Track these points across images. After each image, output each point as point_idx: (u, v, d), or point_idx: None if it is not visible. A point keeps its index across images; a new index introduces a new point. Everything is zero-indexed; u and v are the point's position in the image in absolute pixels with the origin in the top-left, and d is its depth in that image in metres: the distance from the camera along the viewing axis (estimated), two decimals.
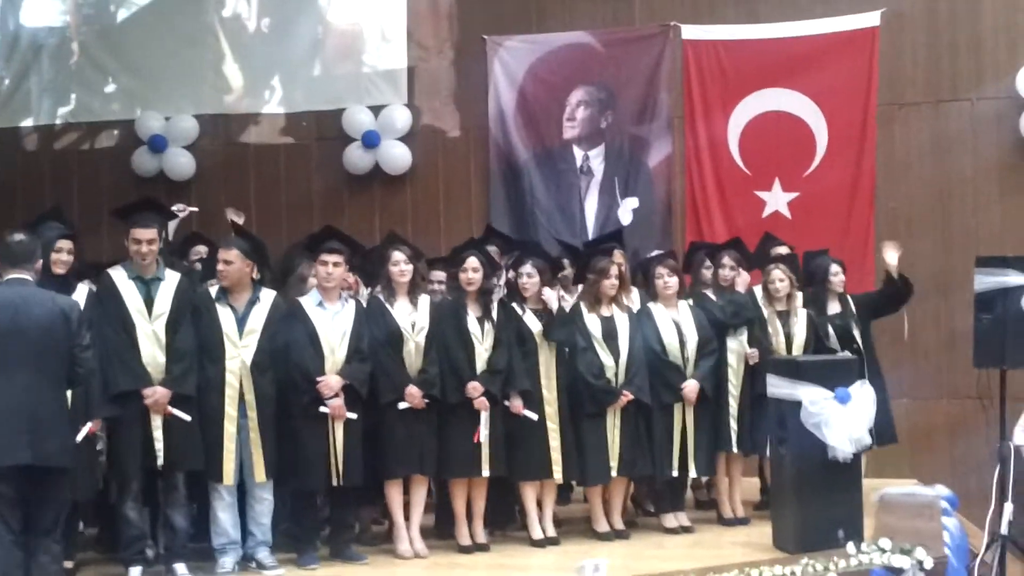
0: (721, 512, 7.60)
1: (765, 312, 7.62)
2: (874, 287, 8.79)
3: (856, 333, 7.80)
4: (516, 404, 6.93)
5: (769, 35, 9.68)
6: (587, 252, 7.69)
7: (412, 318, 6.89)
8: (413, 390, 6.76)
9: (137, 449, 6.33)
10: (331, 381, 6.60)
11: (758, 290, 7.73)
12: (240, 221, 7.51)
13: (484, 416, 6.86)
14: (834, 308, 7.85)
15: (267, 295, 6.74)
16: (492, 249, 7.62)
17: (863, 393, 6.71)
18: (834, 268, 7.92)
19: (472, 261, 6.99)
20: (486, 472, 6.88)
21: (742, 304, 7.54)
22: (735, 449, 7.49)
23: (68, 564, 6.35)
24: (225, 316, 6.57)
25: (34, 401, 5.39)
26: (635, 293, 7.57)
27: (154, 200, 7.02)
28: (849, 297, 7.95)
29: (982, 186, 9.37)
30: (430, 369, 6.84)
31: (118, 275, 6.48)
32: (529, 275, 7.12)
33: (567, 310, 7.17)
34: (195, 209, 7.51)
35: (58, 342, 5.48)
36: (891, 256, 7.89)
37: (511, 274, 7.25)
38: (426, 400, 6.78)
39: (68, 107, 10.51)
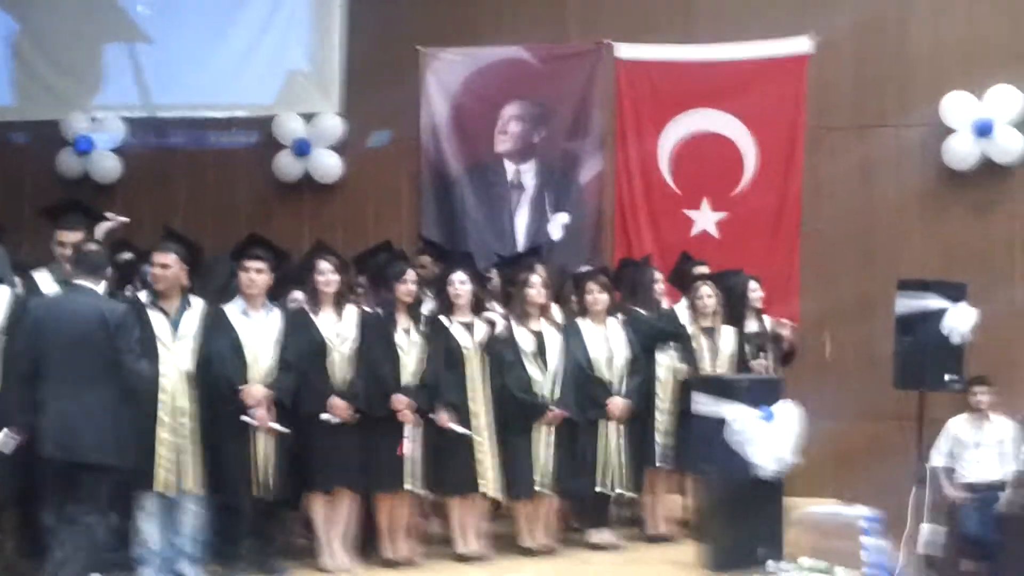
0: (645, 529, 7.64)
1: (690, 329, 7.69)
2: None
3: (770, 351, 7.91)
4: (443, 417, 6.91)
5: (701, 57, 9.79)
6: (508, 267, 7.71)
7: (337, 328, 6.84)
8: (337, 401, 6.71)
9: None
10: (253, 390, 6.52)
11: (679, 307, 7.81)
12: (113, 224, 7.36)
13: (408, 429, 6.84)
14: (752, 326, 7.95)
15: (197, 302, 6.63)
16: (425, 259, 7.63)
17: (787, 412, 6.80)
18: (752, 285, 8.02)
19: (411, 274, 6.99)
20: (409, 486, 6.85)
21: (670, 316, 7.62)
22: (658, 464, 7.52)
23: None
24: (158, 321, 6.44)
25: (73, 401, 5.66)
26: (554, 309, 7.58)
27: (81, 203, 6.90)
28: (766, 317, 8.05)
29: (905, 211, 9.55)
30: (356, 381, 6.79)
31: (43, 278, 6.37)
32: (461, 282, 7.11)
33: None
34: (126, 220, 7.38)
35: (95, 347, 5.71)
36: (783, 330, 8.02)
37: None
38: (352, 413, 6.73)
39: None
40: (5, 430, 5.97)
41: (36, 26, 10.34)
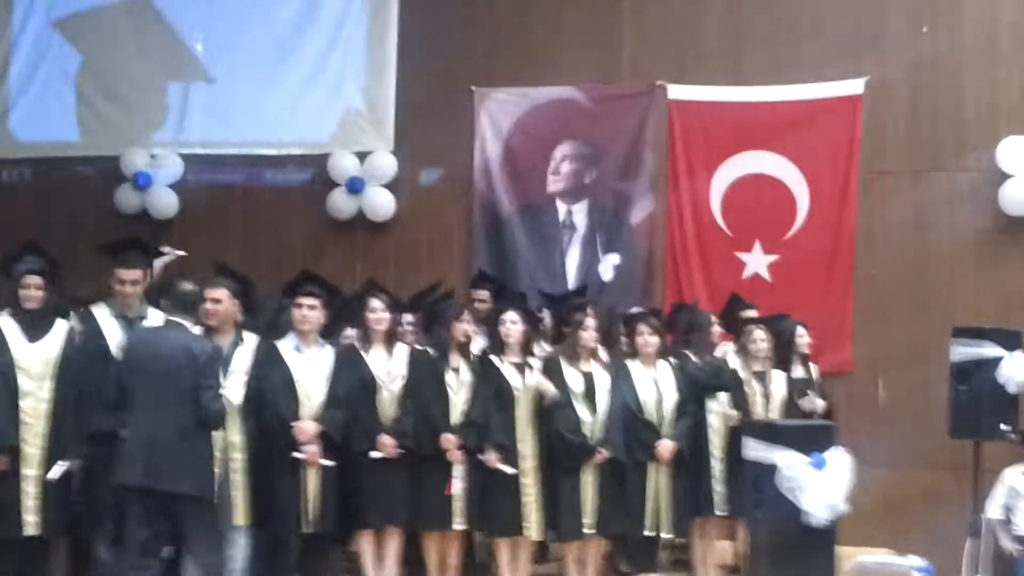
0: (695, 574, 7.57)
1: (742, 373, 7.65)
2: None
3: (817, 397, 7.85)
4: (491, 458, 6.91)
5: (754, 98, 9.75)
6: (559, 306, 7.69)
7: (387, 366, 6.88)
8: (385, 439, 6.73)
9: (114, 490, 6.25)
10: (306, 426, 6.57)
11: (729, 350, 7.78)
12: (171, 258, 7.44)
13: (457, 468, 6.83)
14: (798, 372, 7.89)
15: (250, 338, 6.71)
16: (482, 293, 7.65)
17: (839, 459, 6.71)
18: (799, 330, 7.98)
19: (467, 314, 7.03)
20: (459, 525, 6.84)
21: (718, 367, 7.57)
22: (717, 512, 7.47)
23: None
24: None
25: (156, 431, 5.87)
26: (600, 350, 7.55)
27: (141, 240, 7.02)
28: (812, 365, 7.99)
29: (960, 257, 9.43)
30: (404, 419, 6.81)
31: (101, 313, 6.47)
32: (513, 322, 7.12)
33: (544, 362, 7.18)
34: (182, 253, 7.47)
35: (182, 381, 5.93)
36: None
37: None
38: (400, 450, 6.75)
39: (53, 140, 10.45)
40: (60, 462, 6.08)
41: (98, 62, 10.53)
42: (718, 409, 7.52)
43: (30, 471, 6.17)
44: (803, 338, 7.97)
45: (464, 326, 7.04)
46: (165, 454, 5.89)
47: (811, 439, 6.69)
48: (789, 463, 6.57)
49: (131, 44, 10.53)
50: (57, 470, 6.09)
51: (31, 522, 6.15)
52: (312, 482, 6.60)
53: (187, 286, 6.29)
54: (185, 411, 5.95)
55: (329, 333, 7.13)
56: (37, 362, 6.26)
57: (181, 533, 5.98)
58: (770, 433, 6.77)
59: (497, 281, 8.49)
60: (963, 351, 7.27)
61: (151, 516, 5.93)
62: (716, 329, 7.83)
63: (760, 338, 7.65)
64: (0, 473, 6.10)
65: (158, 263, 7.22)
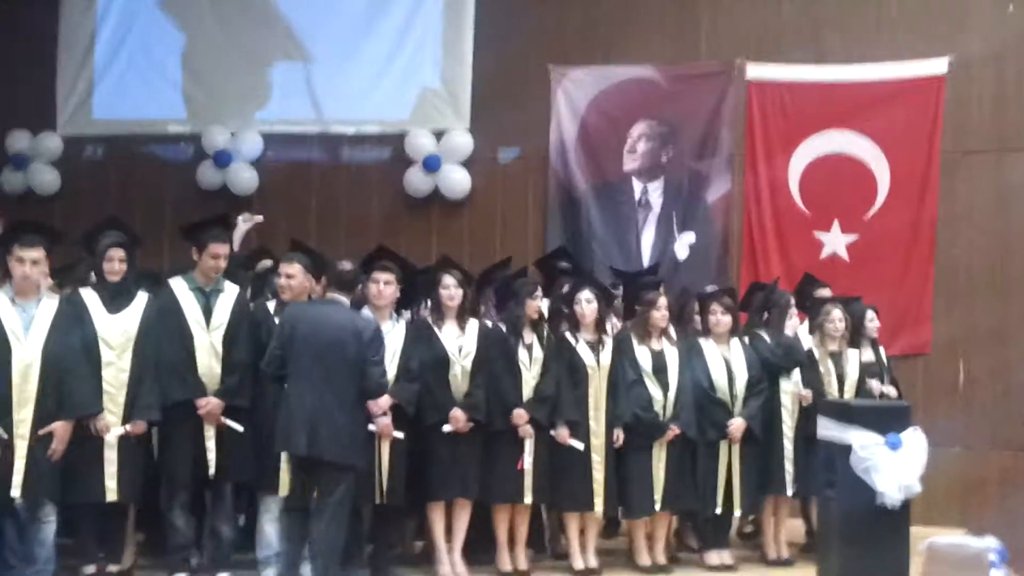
0: (766, 552, 7.55)
1: (817, 353, 7.59)
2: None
3: (886, 381, 7.76)
4: (562, 433, 6.93)
5: (834, 77, 9.64)
6: (632, 285, 7.69)
7: (459, 342, 6.92)
8: (457, 413, 6.79)
9: (188, 458, 6.46)
10: (381, 400, 6.65)
11: (802, 330, 7.71)
12: (249, 225, 7.52)
13: (528, 444, 6.87)
14: (867, 355, 7.80)
15: None
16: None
17: (914, 440, 6.64)
18: (869, 314, 7.90)
19: (540, 291, 7.06)
20: (529, 499, 6.89)
21: (791, 347, 7.51)
22: (789, 492, 7.44)
23: (114, 568, 6.46)
24: None
25: (318, 403, 6.07)
26: (671, 329, 7.53)
27: (227, 217, 7.16)
28: (881, 348, 7.91)
29: None
30: (476, 393, 6.86)
31: (178, 286, 6.60)
32: (588, 301, 7.13)
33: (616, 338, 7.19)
34: (259, 218, 7.57)
35: (347, 355, 6.16)
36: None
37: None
38: (471, 424, 6.81)
39: (136, 118, 10.66)
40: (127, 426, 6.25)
41: (183, 40, 10.67)
42: (791, 389, 7.46)
43: (111, 439, 6.32)
44: (872, 322, 7.88)
45: (537, 303, 7.06)
46: (329, 426, 6.11)
47: (886, 419, 6.65)
48: (863, 443, 6.53)
49: (218, 23, 10.68)
50: (115, 431, 6.25)
51: (111, 488, 6.31)
52: (386, 454, 6.67)
53: (347, 265, 6.52)
54: (348, 384, 6.17)
55: (406, 308, 7.20)
56: (118, 333, 6.40)
57: (319, 492, 6.20)
58: (845, 413, 6.74)
59: (574, 259, 8.46)
60: None
61: (306, 477, 6.21)
62: (794, 310, 7.75)
63: (837, 318, 7.58)
64: (83, 440, 6.24)
65: (237, 232, 7.33)
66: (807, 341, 7.63)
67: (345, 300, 6.40)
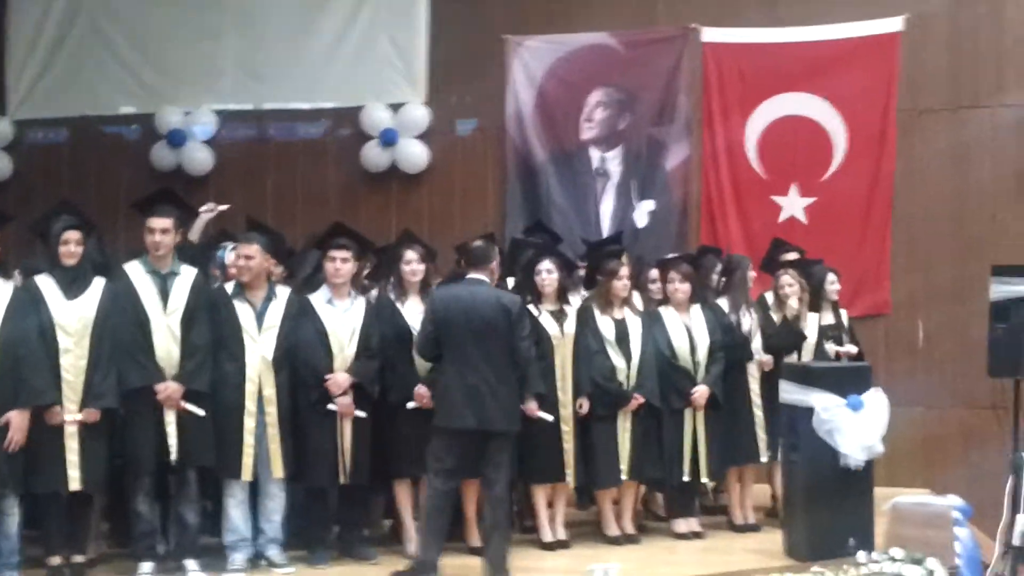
0: (732, 518, 7.59)
1: (776, 317, 7.61)
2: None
3: (846, 343, 7.79)
4: (531, 407, 6.89)
5: (790, 39, 9.63)
6: (594, 254, 7.67)
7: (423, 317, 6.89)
8: (422, 390, 6.76)
9: (150, 444, 6.36)
10: (339, 379, 6.62)
11: (769, 296, 7.74)
12: (211, 215, 7.43)
13: None
14: (827, 318, 7.82)
15: (282, 291, 6.76)
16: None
17: (876, 400, 6.68)
18: (831, 277, 7.91)
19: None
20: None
21: (729, 325, 7.48)
22: (763, 459, 7.48)
23: (80, 558, 6.40)
24: (243, 312, 6.59)
25: (479, 379, 6.30)
26: (636, 296, 7.54)
27: (172, 192, 6.95)
28: (843, 311, 7.95)
29: (1000, 194, 9.29)
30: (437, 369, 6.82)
31: (133, 269, 6.51)
32: (548, 271, 7.11)
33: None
34: (224, 207, 7.48)
35: (499, 332, 6.38)
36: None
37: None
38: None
39: (88, 100, 10.52)
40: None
41: (134, 20, 10.53)
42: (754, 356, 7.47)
43: (71, 427, 6.25)
44: (833, 284, 7.91)
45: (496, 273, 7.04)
46: (492, 399, 6.32)
47: (847, 381, 6.69)
48: (825, 405, 6.57)
49: (166, 2, 10.54)
50: (72, 419, 6.19)
51: (74, 477, 6.23)
52: (348, 434, 6.64)
53: (479, 243, 6.77)
54: (502, 358, 6.38)
55: (370, 285, 7.15)
56: (75, 319, 6.30)
57: (487, 462, 6.39)
58: (806, 376, 6.77)
59: (549, 232, 8.37)
60: (1002, 289, 7.21)
61: (467, 450, 6.36)
62: (751, 273, 7.76)
63: (788, 283, 7.59)
64: (44, 429, 6.17)
65: (199, 222, 7.22)
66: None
67: (485, 278, 6.57)
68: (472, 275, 6.56)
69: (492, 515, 6.42)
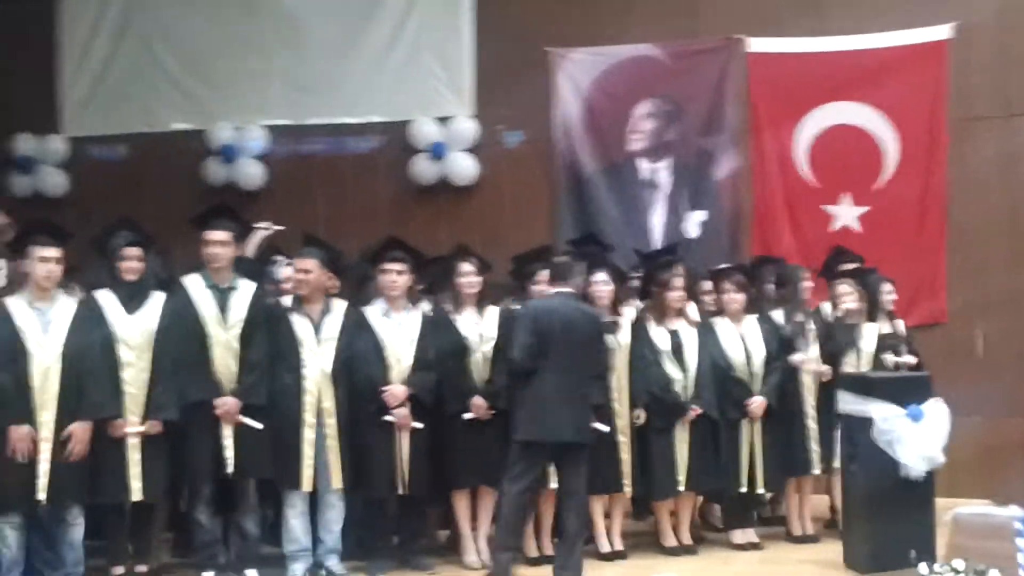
0: (790, 529, 7.55)
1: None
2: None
3: (904, 353, 7.74)
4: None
5: (836, 48, 9.58)
6: (648, 265, 7.66)
7: (479, 329, 6.92)
8: (479, 400, 6.78)
9: (207, 456, 6.43)
10: (396, 391, 6.65)
11: (826, 305, 7.70)
12: (268, 233, 7.49)
13: None
14: (884, 328, 7.77)
15: (339, 305, 6.80)
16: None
17: (936, 410, 6.63)
18: (887, 287, 7.86)
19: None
20: (553, 484, 6.88)
21: (800, 327, 7.46)
22: (816, 471, 7.45)
23: (143, 568, 6.46)
24: (302, 325, 6.65)
25: (575, 392, 6.44)
26: (692, 307, 7.53)
27: (228, 207, 7.05)
28: (899, 320, 7.89)
29: None
30: (497, 380, 6.85)
31: (193, 283, 6.58)
32: (605, 283, 7.10)
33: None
34: (281, 228, 7.55)
35: (592, 346, 6.57)
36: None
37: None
38: (492, 411, 6.80)
39: (140, 116, 10.62)
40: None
41: (184, 36, 10.62)
42: (812, 367, 7.43)
43: (134, 439, 6.32)
44: (890, 294, 7.85)
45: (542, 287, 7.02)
46: (581, 411, 6.49)
47: (907, 391, 6.63)
48: (885, 415, 6.51)
49: (215, 19, 10.64)
50: (133, 429, 6.26)
51: (136, 488, 6.30)
52: (405, 445, 6.67)
53: (563, 259, 6.90)
54: (586, 371, 6.53)
55: (424, 297, 7.18)
56: (137, 333, 6.39)
57: (570, 471, 6.51)
58: (864, 386, 6.72)
59: (600, 243, 8.32)
60: None
61: (548, 459, 6.52)
62: (807, 284, 7.72)
63: (845, 292, 7.55)
64: (107, 441, 6.24)
65: (255, 238, 7.29)
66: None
67: (571, 290, 6.64)
68: (560, 289, 6.61)
69: (575, 523, 6.46)
